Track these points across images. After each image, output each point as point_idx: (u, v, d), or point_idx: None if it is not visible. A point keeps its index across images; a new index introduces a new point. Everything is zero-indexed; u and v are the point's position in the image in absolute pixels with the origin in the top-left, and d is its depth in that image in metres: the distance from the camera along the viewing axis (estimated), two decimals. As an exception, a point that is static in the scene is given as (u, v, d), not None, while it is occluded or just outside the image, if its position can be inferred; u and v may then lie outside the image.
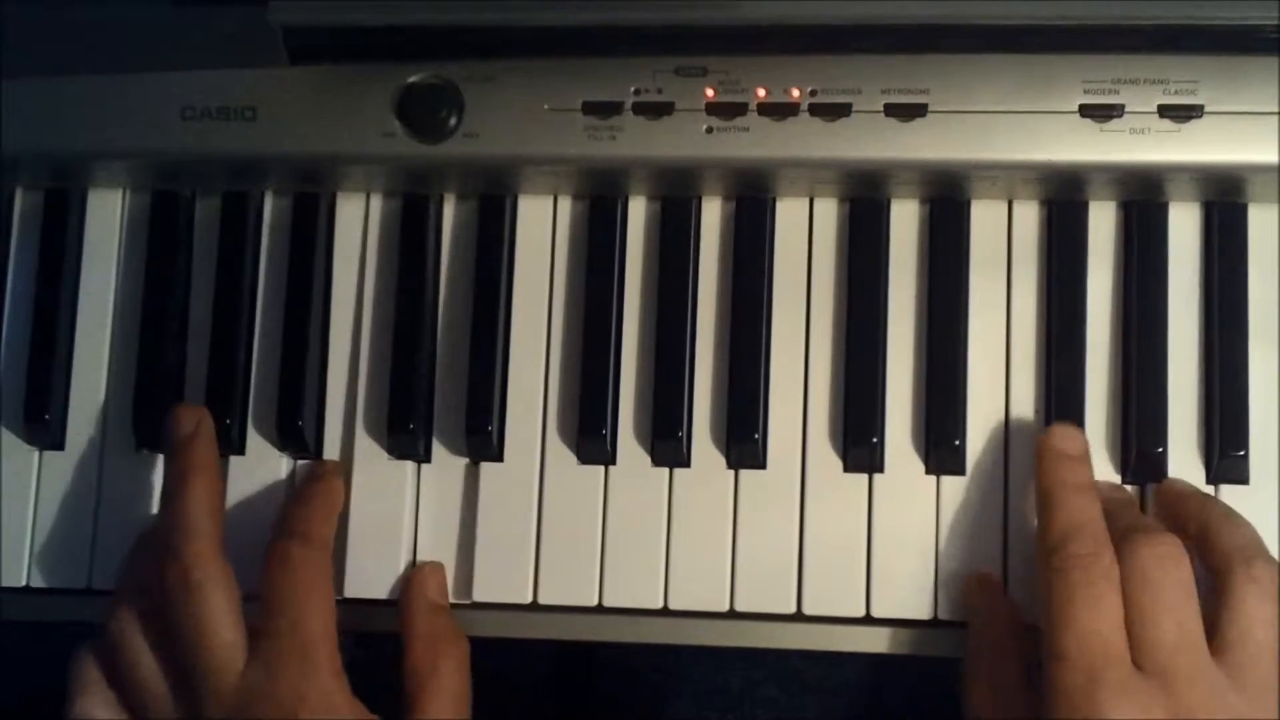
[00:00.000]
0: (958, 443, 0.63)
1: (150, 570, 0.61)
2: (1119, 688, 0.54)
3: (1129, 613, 0.56)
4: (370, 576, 0.65)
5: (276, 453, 0.67)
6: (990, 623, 0.61)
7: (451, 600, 0.64)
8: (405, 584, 0.64)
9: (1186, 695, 0.54)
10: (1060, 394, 0.63)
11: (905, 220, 0.66)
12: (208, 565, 0.60)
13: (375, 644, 0.63)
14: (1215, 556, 0.58)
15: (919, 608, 0.63)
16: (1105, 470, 0.63)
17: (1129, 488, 0.63)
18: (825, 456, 0.64)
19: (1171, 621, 0.55)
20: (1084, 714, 0.54)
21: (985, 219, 0.65)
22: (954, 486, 0.64)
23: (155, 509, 0.66)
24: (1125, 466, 0.63)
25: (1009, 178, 0.63)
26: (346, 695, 0.60)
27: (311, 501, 0.64)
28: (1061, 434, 0.61)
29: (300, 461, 0.67)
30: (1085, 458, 0.61)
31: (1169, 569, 0.56)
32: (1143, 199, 0.64)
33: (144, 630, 0.61)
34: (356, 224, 0.68)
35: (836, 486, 0.64)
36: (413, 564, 0.65)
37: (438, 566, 0.65)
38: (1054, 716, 0.55)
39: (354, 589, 0.65)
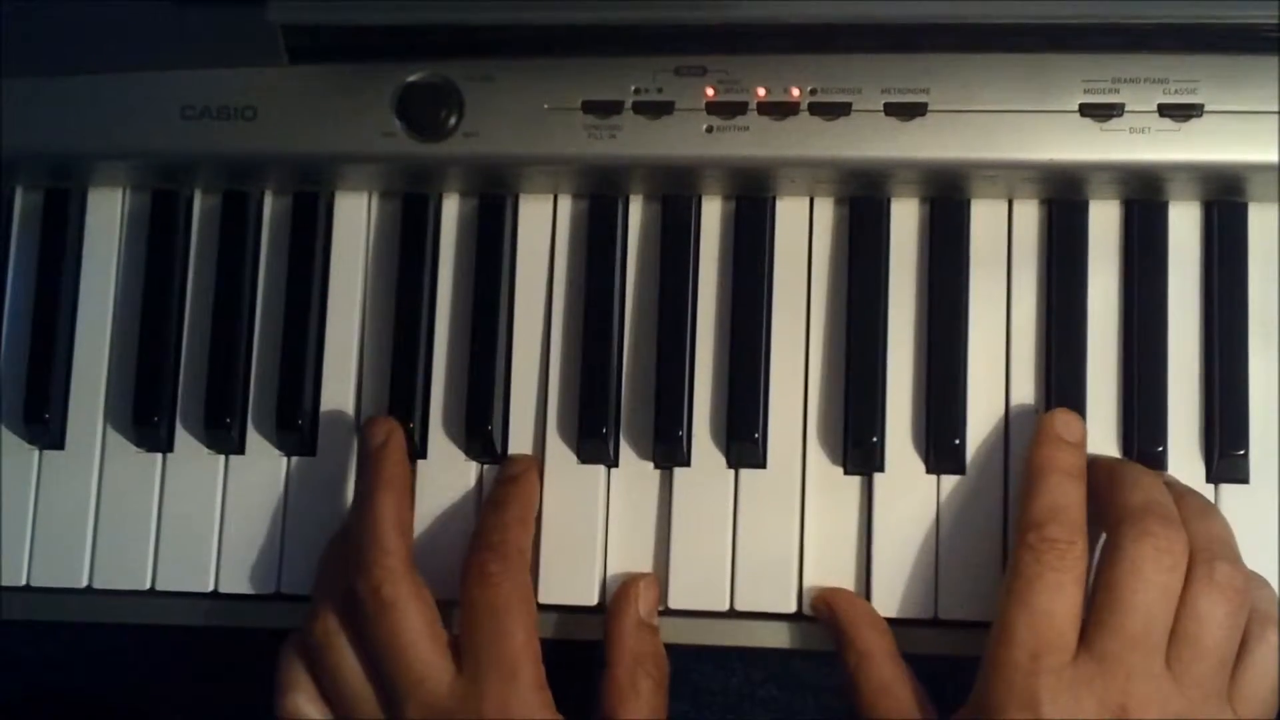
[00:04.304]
0: (958, 442, 0.63)
1: (345, 577, 0.60)
2: (1057, 674, 0.55)
3: (1105, 595, 0.56)
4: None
5: (277, 453, 0.67)
6: (863, 625, 0.61)
7: (452, 599, 0.64)
8: (616, 595, 0.63)
9: (1124, 688, 0.55)
10: (1060, 393, 0.63)
11: (905, 219, 0.66)
12: (399, 582, 0.59)
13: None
14: None
15: (919, 607, 0.63)
16: (1105, 469, 0.64)
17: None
18: (825, 456, 0.64)
19: (1142, 616, 0.55)
20: (1020, 695, 0.55)
21: (985, 218, 0.65)
22: (954, 486, 0.64)
23: (155, 508, 0.66)
24: (1125, 466, 0.63)
25: (1009, 177, 0.63)
26: (550, 709, 0.59)
27: (506, 509, 0.63)
28: (1063, 419, 0.61)
29: (297, 458, 0.67)
30: (1081, 446, 0.61)
31: (1165, 567, 0.56)
32: (1143, 198, 0.64)
33: (347, 634, 0.60)
34: (356, 223, 0.68)
35: (836, 486, 0.64)
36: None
37: (653, 582, 0.63)
38: (988, 694, 0.56)
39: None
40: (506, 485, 0.64)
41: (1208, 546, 0.57)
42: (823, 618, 0.62)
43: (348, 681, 0.60)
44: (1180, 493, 0.60)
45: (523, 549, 0.62)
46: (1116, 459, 0.63)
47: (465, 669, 0.59)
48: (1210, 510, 0.60)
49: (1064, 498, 0.59)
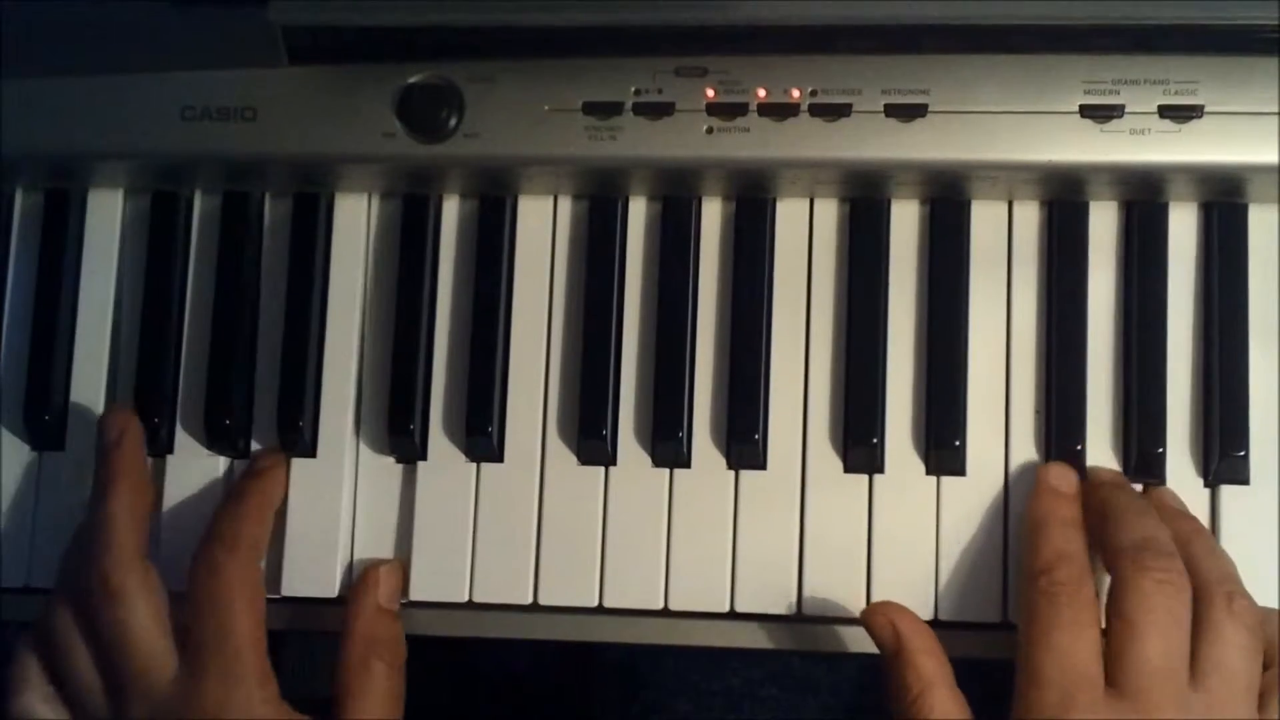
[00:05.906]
0: (958, 443, 0.63)
1: (80, 571, 0.61)
2: (1091, 710, 0.55)
3: (1119, 629, 0.56)
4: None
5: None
6: (930, 654, 0.59)
7: (452, 601, 0.64)
8: (357, 582, 0.64)
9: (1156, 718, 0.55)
10: (1060, 394, 0.63)
11: (905, 220, 0.66)
12: (126, 571, 0.60)
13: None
14: (1196, 585, 0.58)
15: (919, 608, 0.62)
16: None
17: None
18: (825, 457, 0.64)
19: (1159, 644, 0.56)
20: None
21: (985, 219, 0.65)
22: (954, 487, 0.64)
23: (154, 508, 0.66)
24: (1125, 466, 0.63)
25: (1009, 178, 0.63)
26: (273, 701, 0.60)
27: (244, 502, 0.63)
28: (1057, 472, 0.62)
29: (297, 459, 0.67)
30: (1076, 497, 0.62)
31: (1169, 594, 0.56)
32: (1143, 199, 0.64)
33: (79, 628, 0.61)
34: (357, 224, 0.68)
35: (836, 487, 0.64)
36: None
37: (396, 568, 0.64)
38: None
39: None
40: (248, 479, 0.65)
41: (1223, 581, 0.58)
42: (882, 636, 0.60)
43: (79, 674, 0.61)
44: (1193, 530, 0.61)
45: (255, 542, 0.63)
46: (1109, 488, 0.62)
47: (187, 661, 0.60)
48: (1220, 549, 0.60)
49: (1067, 545, 0.59)
